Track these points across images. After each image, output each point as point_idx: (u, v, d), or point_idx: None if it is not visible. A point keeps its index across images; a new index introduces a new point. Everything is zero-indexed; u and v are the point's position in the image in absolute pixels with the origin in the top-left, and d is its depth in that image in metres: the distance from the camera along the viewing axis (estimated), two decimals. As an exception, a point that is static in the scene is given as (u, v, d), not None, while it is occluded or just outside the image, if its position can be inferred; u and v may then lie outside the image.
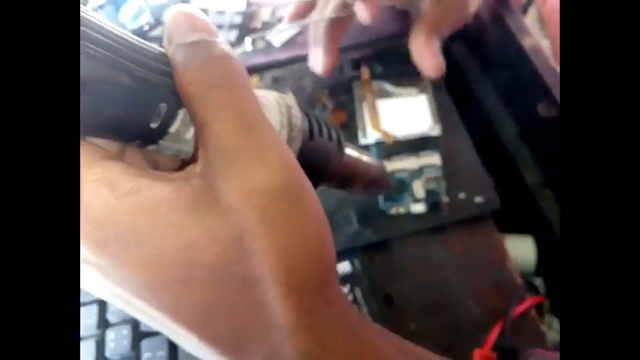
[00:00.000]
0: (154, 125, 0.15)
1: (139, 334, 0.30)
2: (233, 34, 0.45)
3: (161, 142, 0.15)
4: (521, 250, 0.40)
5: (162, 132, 0.15)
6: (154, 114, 0.15)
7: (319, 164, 0.22)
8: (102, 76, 0.13)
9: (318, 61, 0.36)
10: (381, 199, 0.35)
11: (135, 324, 0.31)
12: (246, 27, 0.46)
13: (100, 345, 0.30)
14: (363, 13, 0.33)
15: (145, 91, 0.14)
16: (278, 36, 0.45)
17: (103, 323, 0.31)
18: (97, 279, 0.15)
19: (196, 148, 0.16)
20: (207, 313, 0.15)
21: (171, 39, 0.15)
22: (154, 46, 0.15)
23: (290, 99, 0.21)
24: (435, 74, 0.33)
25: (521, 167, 0.44)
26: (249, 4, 0.47)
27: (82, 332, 0.31)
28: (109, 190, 0.14)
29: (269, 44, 0.44)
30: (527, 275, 0.40)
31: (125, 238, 0.14)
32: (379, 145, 0.37)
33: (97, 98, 0.13)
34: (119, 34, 0.14)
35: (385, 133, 0.37)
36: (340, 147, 0.24)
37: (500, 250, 0.34)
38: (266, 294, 0.15)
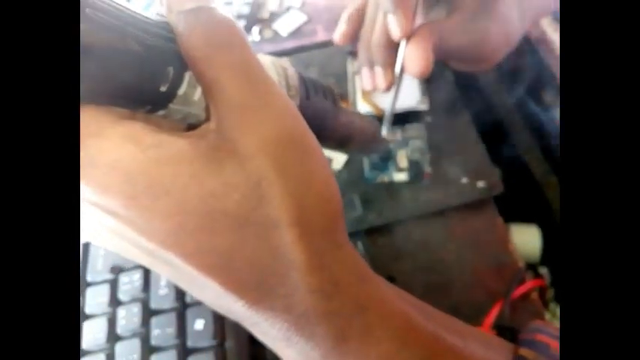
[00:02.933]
0: (163, 89, 0.16)
1: (149, 311, 0.31)
2: (241, 24, 0.46)
3: (170, 105, 0.16)
4: (527, 239, 0.40)
5: (171, 95, 0.16)
6: (162, 78, 0.15)
7: (318, 122, 0.22)
8: (112, 43, 0.14)
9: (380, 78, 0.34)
10: (366, 168, 0.36)
11: (145, 302, 0.32)
12: (253, 17, 0.46)
13: (112, 322, 0.31)
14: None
15: (152, 56, 0.15)
16: (285, 26, 0.45)
17: (115, 301, 0.32)
18: (124, 233, 0.16)
19: (207, 108, 0.16)
20: (229, 258, 0.16)
21: (171, 7, 0.16)
22: (155, 15, 0.16)
23: (284, 61, 0.21)
24: (418, 76, 0.31)
25: (526, 156, 0.44)
26: (257, -5, 0.48)
27: (94, 310, 0.32)
28: (134, 145, 0.15)
29: (276, 34, 0.45)
30: (532, 264, 0.40)
31: (152, 189, 0.15)
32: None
33: (109, 65, 0.14)
34: (122, 4, 0.15)
35: (375, 107, 0.38)
36: (336, 105, 0.24)
37: (502, 234, 0.34)
38: (283, 237, 0.16)
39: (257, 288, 0.16)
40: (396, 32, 0.30)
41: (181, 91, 0.16)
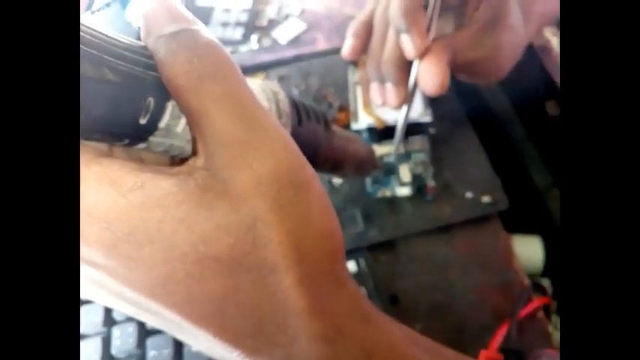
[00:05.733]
0: (143, 121, 0.14)
1: (145, 332, 0.30)
2: (239, 32, 0.45)
3: (151, 138, 0.15)
4: (529, 250, 0.40)
5: (152, 128, 0.15)
6: (142, 109, 0.14)
7: (310, 148, 0.21)
8: (85, 74, 0.12)
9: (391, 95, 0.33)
10: (368, 182, 0.36)
11: (141, 322, 0.31)
12: (252, 25, 0.45)
13: (106, 342, 0.30)
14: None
15: (129, 85, 0.14)
16: (284, 34, 0.45)
17: (109, 321, 0.31)
18: (104, 283, 0.15)
19: (193, 141, 0.15)
20: (222, 307, 0.15)
21: (149, 31, 0.15)
22: (133, 40, 0.15)
23: (274, 85, 0.20)
24: (433, 94, 0.31)
25: (529, 167, 0.44)
26: (255, 2, 0.47)
27: (88, 330, 0.31)
28: (112, 188, 0.13)
29: (275, 42, 0.44)
30: (534, 276, 0.40)
31: (135, 237, 0.13)
32: (370, 130, 0.37)
33: (82, 97, 0.12)
34: (95, 29, 0.13)
35: (377, 118, 0.37)
36: (328, 129, 0.23)
37: (507, 251, 0.33)
38: (281, 281, 0.14)
39: (254, 337, 0.15)
40: (410, 52, 0.30)
41: (163, 123, 0.15)
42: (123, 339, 0.30)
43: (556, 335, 0.38)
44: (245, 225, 0.14)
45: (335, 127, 0.25)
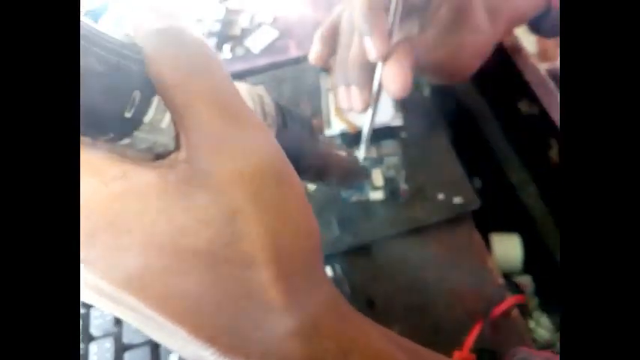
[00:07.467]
0: (128, 115, 0.14)
1: (122, 346, 0.30)
2: (212, 42, 0.45)
3: (136, 133, 0.15)
4: (507, 248, 0.40)
5: (137, 122, 0.15)
6: (127, 102, 0.14)
7: (295, 152, 0.21)
8: None
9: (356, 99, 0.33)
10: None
11: (118, 337, 0.31)
12: (224, 34, 0.46)
13: (84, 358, 0.30)
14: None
15: (116, 78, 0.14)
16: (257, 42, 0.45)
17: (87, 337, 0.31)
18: (82, 276, 0.15)
19: (177, 137, 0.15)
20: (198, 302, 0.14)
21: (137, 27, 0.15)
22: (121, 35, 0.15)
23: (260, 89, 0.21)
24: (397, 97, 0.31)
25: (504, 165, 0.44)
26: (227, 12, 0.47)
27: (66, 346, 0.31)
28: (95, 177, 0.13)
29: (248, 51, 0.44)
30: (514, 274, 0.40)
31: (114, 226, 0.13)
32: (344, 135, 0.38)
33: None
34: (83, 22, 0.13)
35: (349, 123, 0.37)
36: (313, 135, 0.24)
37: (481, 250, 0.34)
38: (258, 276, 0.15)
39: (229, 333, 0.15)
40: (372, 54, 0.30)
41: (148, 117, 0.15)
42: (100, 354, 0.30)
43: (538, 331, 0.38)
44: (225, 217, 0.14)
45: (320, 136, 0.25)
